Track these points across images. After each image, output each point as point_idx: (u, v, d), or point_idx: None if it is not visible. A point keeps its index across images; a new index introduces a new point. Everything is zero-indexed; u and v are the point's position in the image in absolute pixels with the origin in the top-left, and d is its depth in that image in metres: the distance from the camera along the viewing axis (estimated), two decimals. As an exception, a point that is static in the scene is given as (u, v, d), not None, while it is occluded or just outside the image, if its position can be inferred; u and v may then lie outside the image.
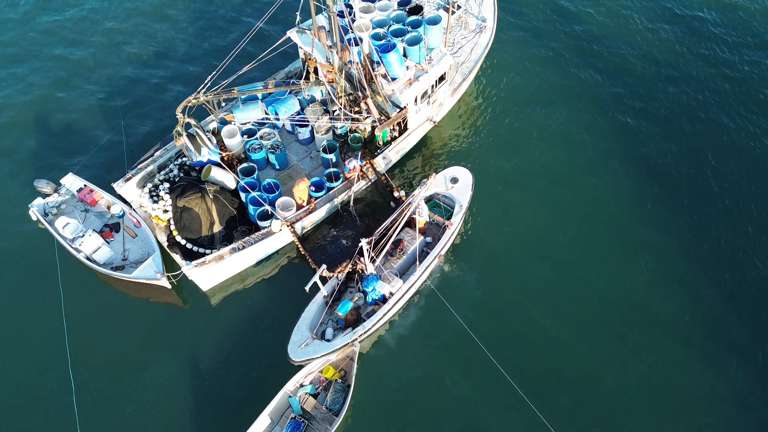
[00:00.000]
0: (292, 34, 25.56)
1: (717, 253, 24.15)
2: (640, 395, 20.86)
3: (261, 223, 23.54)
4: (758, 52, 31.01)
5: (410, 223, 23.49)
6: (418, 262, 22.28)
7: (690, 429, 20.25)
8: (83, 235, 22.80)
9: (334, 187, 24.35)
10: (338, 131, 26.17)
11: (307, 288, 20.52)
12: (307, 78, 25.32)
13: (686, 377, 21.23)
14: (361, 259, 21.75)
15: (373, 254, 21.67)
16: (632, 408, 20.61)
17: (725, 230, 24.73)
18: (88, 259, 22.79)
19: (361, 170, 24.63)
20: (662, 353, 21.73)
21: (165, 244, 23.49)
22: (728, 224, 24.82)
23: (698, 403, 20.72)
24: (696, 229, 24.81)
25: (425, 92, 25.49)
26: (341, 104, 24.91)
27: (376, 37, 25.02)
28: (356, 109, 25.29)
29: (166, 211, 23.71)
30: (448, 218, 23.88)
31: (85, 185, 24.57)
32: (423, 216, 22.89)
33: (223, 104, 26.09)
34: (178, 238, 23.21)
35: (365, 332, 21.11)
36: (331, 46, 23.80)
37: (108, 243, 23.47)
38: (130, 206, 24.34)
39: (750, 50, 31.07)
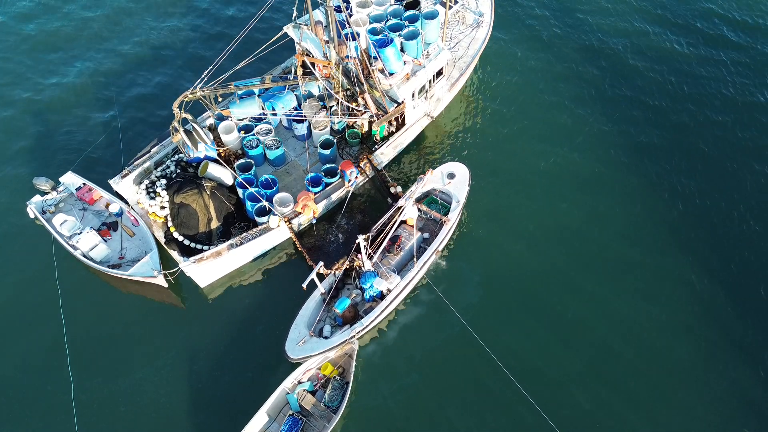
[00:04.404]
0: (289, 29, 25.43)
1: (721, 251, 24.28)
2: (641, 392, 20.91)
3: (258, 219, 23.53)
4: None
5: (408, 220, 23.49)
6: (415, 258, 22.27)
7: (691, 426, 20.33)
8: (80, 233, 22.76)
9: (331, 183, 24.32)
10: (335, 127, 26.12)
11: (304, 285, 20.55)
12: (295, 73, 25.23)
13: (688, 373, 21.30)
14: (359, 255, 21.76)
15: (370, 251, 21.66)
16: (634, 405, 20.66)
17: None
18: (84, 256, 22.78)
19: (360, 167, 24.64)
20: (663, 348, 21.78)
21: (162, 241, 23.48)
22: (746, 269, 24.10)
23: (699, 401, 20.77)
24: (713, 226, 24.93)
25: (423, 87, 25.42)
26: (339, 100, 24.83)
27: (373, 31, 24.91)
28: (354, 104, 25.22)
29: (163, 208, 23.67)
30: (446, 214, 23.88)
31: (84, 184, 24.52)
32: (412, 215, 22.60)
33: (220, 99, 26.09)
34: (176, 235, 23.19)
35: (363, 329, 21.14)
36: (328, 41, 23.71)
37: (105, 241, 23.44)
38: (128, 204, 24.30)
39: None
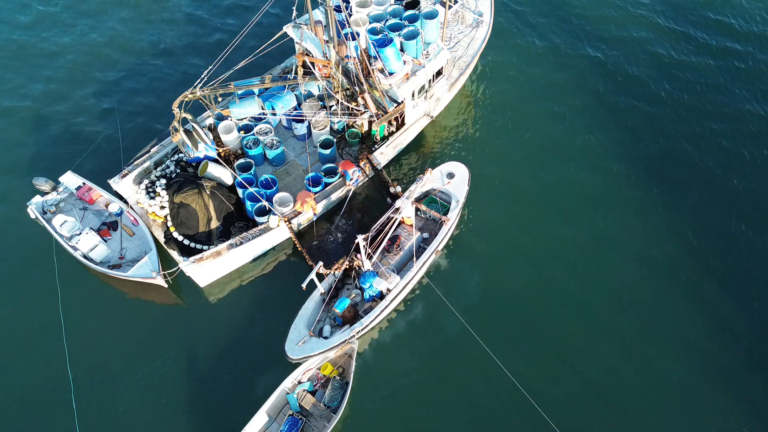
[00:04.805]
0: (289, 29, 25.42)
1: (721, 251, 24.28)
2: (642, 392, 20.95)
3: (258, 219, 23.53)
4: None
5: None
6: (415, 258, 22.27)
7: (691, 427, 20.37)
8: (80, 233, 22.75)
9: (331, 183, 24.32)
10: (335, 127, 26.12)
11: (303, 285, 20.58)
12: (296, 73, 25.22)
13: (688, 374, 21.31)
14: (358, 255, 21.76)
15: (369, 250, 21.66)
16: (634, 405, 20.71)
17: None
18: (84, 257, 22.78)
19: (360, 167, 24.66)
20: (664, 350, 21.78)
21: (162, 241, 23.49)
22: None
23: (701, 401, 20.82)
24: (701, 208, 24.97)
25: (422, 87, 25.40)
26: (339, 99, 24.83)
27: (372, 31, 24.88)
28: (353, 104, 25.21)
29: (162, 208, 23.68)
30: (445, 214, 23.88)
31: (83, 183, 24.50)
32: (408, 214, 22.62)
33: (220, 99, 26.07)
34: (176, 235, 23.20)
35: (363, 329, 21.15)
36: (327, 41, 23.71)
37: (105, 241, 23.45)
38: (128, 204, 24.30)
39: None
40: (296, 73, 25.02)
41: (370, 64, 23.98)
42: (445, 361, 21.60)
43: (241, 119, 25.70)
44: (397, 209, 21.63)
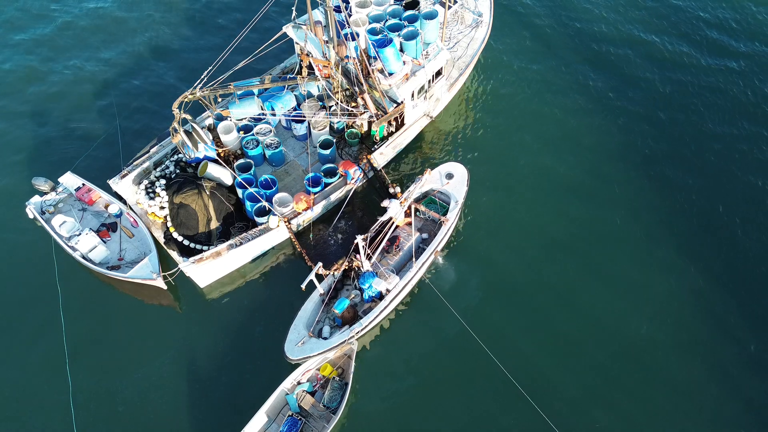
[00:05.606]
0: (288, 29, 25.43)
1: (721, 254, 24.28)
2: (643, 391, 20.93)
3: (258, 220, 23.54)
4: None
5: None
6: (414, 259, 22.28)
7: (692, 427, 20.37)
8: (80, 234, 22.75)
9: (330, 183, 24.33)
10: (335, 127, 26.13)
11: (303, 286, 20.59)
12: (300, 73, 25.25)
13: (688, 375, 21.30)
14: (357, 256, 21.77)
15: (369, 251, 21.67)
16: (634, 405, 20.69)
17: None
18: (84, 258, 22.79)
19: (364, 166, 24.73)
20: (664, 351, 21.77)
21: (162, 241, 23.50)
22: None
23: (700, 403, 20.81)
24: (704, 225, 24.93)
25: (422, 87, 25.40)
26: (338, 100, 24.84)
27: (372, 32, 24.89)
28: (353, 104, 25.22)
29: (162, 208, 23.69)
30: (444, 214, 23.89)
31: (83, 184, 24.50)
32: (397, 215, 22.55)
33: (220, 100, 26.09)
34: (175, 235, 23.20)
35: (362, 330, 21.16)
36: (327, 42, 23.71)
37: (105, 242, 23.45)
38: (127, 204, 24.31)
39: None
40: (300, 72, 25.03)
41: (370, 65, 23.98)
42: (444, 362, 21.61)
43: (241, 119, 25.72)
44: (385, 209, 21.56)
